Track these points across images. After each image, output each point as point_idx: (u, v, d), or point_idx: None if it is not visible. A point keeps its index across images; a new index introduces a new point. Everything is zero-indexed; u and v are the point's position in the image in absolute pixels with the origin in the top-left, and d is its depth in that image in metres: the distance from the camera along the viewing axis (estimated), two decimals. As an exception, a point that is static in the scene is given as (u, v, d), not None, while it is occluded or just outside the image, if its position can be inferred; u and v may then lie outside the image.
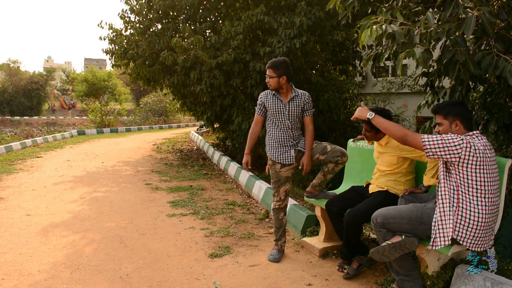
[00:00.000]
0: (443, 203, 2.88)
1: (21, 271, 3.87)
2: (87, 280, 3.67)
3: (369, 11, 4.03)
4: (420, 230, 2.99)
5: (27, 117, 41.23)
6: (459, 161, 2.76)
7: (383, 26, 2.95)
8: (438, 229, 2.86)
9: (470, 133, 2.88)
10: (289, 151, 4.04)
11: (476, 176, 2.77)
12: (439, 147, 2.77)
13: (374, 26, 2.97)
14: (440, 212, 2.88)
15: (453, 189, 2.85)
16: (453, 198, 2.84)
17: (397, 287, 3.20)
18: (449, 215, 2.83)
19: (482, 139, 2.84)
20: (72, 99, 47.96)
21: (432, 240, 2.89)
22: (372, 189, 3.72)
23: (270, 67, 3.96)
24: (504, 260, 4.06)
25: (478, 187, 2.78)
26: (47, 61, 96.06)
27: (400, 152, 3.54)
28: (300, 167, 4.03)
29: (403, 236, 2.98)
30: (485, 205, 2.78)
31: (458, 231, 2.81)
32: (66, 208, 6.17)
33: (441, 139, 2.78)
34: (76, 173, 9.45)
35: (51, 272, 3.83)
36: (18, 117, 40.73)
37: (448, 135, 2.80)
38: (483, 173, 2.77)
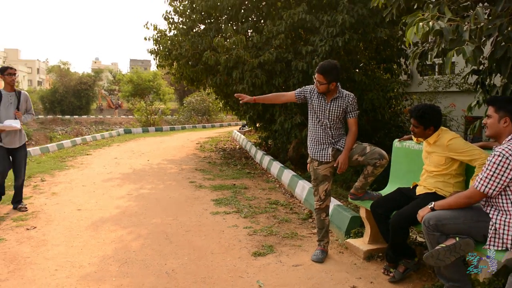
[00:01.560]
0: (505, 211, 2.78)
1: (73, 263, 4.04)
2: (135, 274, 3.79)
3: (415, 7, 3.93)
4: (476, 230, 2.88)
5: (76, 116, 42.85)
6: None
7: (430, 23, 2.87)
8: (496, 235, 2.76)
9: None
10: (327, 149, 4.00)
11: None
12: (496, 182, 2.72)
13: (421, 23, 2.88)
14: (500, 220, 2.78)
15: (510, 203, 2.76)
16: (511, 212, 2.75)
17: (445, 294, 3.10)
18: (509, 224, 2.74)
19: None
20: (118, 99, 49.47)
21: (488, 240, 2.80)
22: (419, 190, 3.62)
23: (320, 73, 3.86)
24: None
25: None
26: (95, 62, 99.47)
27: (448, 153, 3.43)
28: (335, 165, 3.98)
29: (457, 238, 2.87)
30: None
31: None
32: (114, 203, 6.38)
33: (491, 175, 2.72)
34: (123, 170, 9.76)
35: (100, 265, 3.98)
36: (68, 116, 42.41)
37: (490, 164, 2.73)
38: None
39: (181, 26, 10.90)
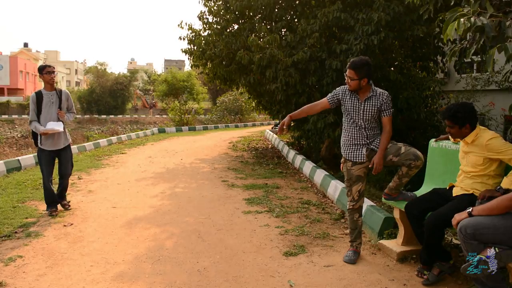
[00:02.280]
0: None
1: (108, 259, 4.14)
2: (168, 271, 3.85)
3: (452, 4, 3.82)
4: None
5: (112, 116, 43.90)
6: None
7: (472, 19, 2.77)
8: None
9: None
10: (361, 149, 3.94)
11: None
12: None
13: (462, 19, 2.79)
14: None
15: None
16: None
17: (483, 298, 3.00)
18: None
19: None
20: (153, 98, 50.33)
21: None
22: (456, 191, 3.52)
23: (351, 68, 3.82)
24: None
25: None
26: (130, 63, 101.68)
27: (487, 153, 3.32)
28: (370, 166, 3.90)
29: (496, 249, 2.74)
30: None
31: None
32: (148, 202, 6.51)
33: None
34: (157, 169, 9.93)
35: (134, 262, 4.07)
36: (104, 116, 43.50)
37: None
38: None
39: (215, 26, 10.98)
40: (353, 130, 3.97)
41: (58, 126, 5.50)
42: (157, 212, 5.88)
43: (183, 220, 5.51)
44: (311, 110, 4.26)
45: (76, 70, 79.95)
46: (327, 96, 4.09)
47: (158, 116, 44.56)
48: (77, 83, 78.56)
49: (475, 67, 12.46)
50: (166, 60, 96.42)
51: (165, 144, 16.65)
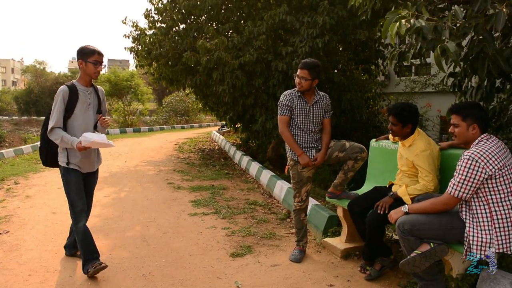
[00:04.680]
0: (476, 214, 2.82)
1: (47, 267, 3.95)
2: (111, 278, 3.72)
3: (392, 8, 3.96)
4: (451, 235, 2.92)
5: (53, 117, 41.98)
6: (487, 181, 2.75)
7: (412, 20, 2.89)
8: (473, 242, 2.79)
9: (483, 135, 2.87)
10: (311, 151, 4.03)
11: (504, 183, 2.75)
12: (468, 186, 2.75)
13: (403, 20, 2.90)
14: (475, 227, 2.81)
15: (483, 205, 2.80)
16: (485, 213, 2.79)
17: (421, 292, 3.14)
18: (486, 231, 2.77)
19: (493, 140, 2.83)
20: (96, 99, 48.63)
21: (465, 250, 2.83)
22: (395, 189, 3.66)
23: (305, 69, 3.87)
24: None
25: (509, 189, 2.76)
26: (72, 62, 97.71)
27: (413, 161, 3.49)
28: (313, 162, 4.00)
29: (432, 244, 2.90)
30: None
31: (502, 244, 2.75)
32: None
33: (463, 179, 2.76)
34: (100, 173, 9.57)
35: (75, 269, 3.91)
36: (43, 117, 41.43)
37: (461, 168, 2.77)
38: (508, 174, 2.76)
39: (161, 25, 10.79)
40: (303, 134, 4.03)
41: (103, 138, 3.67)
42: (100, 217, 5.68)
43: (127, 224, 5.36)
44: (288, 131, 4.04)
45: (12, 69, 75.72)
46: (280, 112, 4.04)
47: (101, 117, 43.08)
48: (14, 83, 74.43)
49: (413, 70, 13.04)
50: (109, 60, 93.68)
51: (108, 146, 16.10)
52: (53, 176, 8.92)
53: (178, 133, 24.11)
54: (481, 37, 2.91)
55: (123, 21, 11.29)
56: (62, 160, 3.77)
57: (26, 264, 4.03)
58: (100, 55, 3.71)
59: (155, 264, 4.05)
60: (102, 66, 3.76)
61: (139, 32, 11.31)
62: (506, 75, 3.78)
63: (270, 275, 3.77)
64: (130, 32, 11.29)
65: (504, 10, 2.63)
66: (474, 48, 2.93)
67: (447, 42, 2.74)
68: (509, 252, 2.76)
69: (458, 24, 2.86)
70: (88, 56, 3.66)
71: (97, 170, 4.13)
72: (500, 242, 2.73)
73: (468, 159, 2.74)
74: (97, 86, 3.94)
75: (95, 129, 3.85)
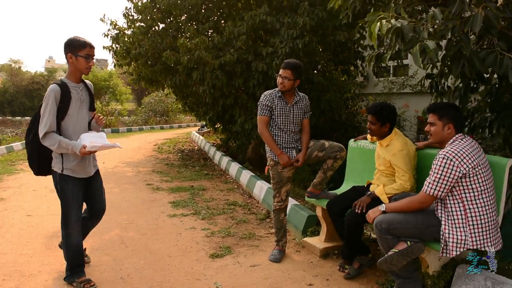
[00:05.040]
0: (451, 212, 2.87)
1: (22, 271, 3.85)
2: (88, 280, 3.66)
3: (371, 10, 4.01)
4: (428, 233, 2.97)
5: (28, 118, 41.08)
6: (462, 180, 2.80)
7: (392, 21, 2.93)
8: (449, 240, 2.84)
9: (457, 135, 2.93)
10: (291, 151, 4.04)
11: (478, 181, 2.80)
12: (443, 184, 2.80)
13: (384, 21, 2.94)
14: (450, 225, 2.86)
15: (458, 203, 2.85)
16: (460, 211, 2.84)
17: (398, 289, 3.19)
18: (461, 228, 2.82)
19: (467, 140, 2.89)
20: (73, 99, 47.91)
21: (441, 248, 2.87)
22: (373, 188, 3.71)
23: (289, 69, 3.89)
24: (505, 260, 4.04)
25: (482, 187, 2.81)
26: (49, 61, 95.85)
27: (390, 160, 3.54)
28: (294, 163, 4.02)
29: (408, 242, 2.95)
30: (490, 204, 2.83)
31: (476, 241, 2.80)
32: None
33: (438, 177, 2.81)
34: (77, 173, 9.42)
35: (52, 273, 3.82)
36: (19, 118, 40.68)
37: (436, 167, 2.82)
38: (482, 173, 2.81)
39: (140, 24, 10.67)
40: (283, 134, 4.04)
41: (104, 140, 3.45)
42: (77, 218, 5.57)
43: (105, 226, 5.26)
44: (268, 131, 4.04)
45: (-14, 68, 74.04)
46: (260, 112, 4.03)
47: (79, 117, 42.49)
48: (-12, 82, 72.77)
49: (391, 71, 13.22)
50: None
51: (86, 147, 15.86)
52: (29, 178, 8.72)
53: (157, 133, 23.89)
54: (458, 38, 2.96)
55: (101, 19, 11.11)
56: (57, 166, 3.40)
57: (0, 268, 3.93)
58: (92, 47, 3.34)
59: (134, 266, 4.00)
60: (94, 61, 3.42)
61: (118, 31, 11.16)
62: (480, 76, 3.87)
63: (249, 276, 3.77)
64: (109, 30, 11.14)
65: (480, 12, 2.69)
66: (451, 49, 2.98)
67: (426, 41, 2.78)
68: (483, 249, 2.82)
69: (436, 26, 2.91)
70: (78, 49, 3.27)
71: (98, 172, 3.76)
72: (474, 239, 2.79)
73: (443, 158, 2.79)
74: (85, 80, 3.59)
75: (89, 128, 3.56)
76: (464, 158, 2.76)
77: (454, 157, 2.77)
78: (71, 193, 3.43)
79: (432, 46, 2.72)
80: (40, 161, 3.52)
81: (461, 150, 2.79)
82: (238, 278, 3.71)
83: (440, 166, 2.80)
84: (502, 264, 3.43)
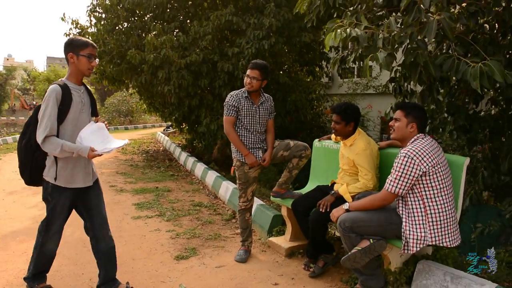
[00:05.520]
0: (412, 209, 2.95)
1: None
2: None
3: (335, 15, 4.08)
4: (390, 231, 3.04)
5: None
6: (422, 178, 2.88)
7: (348, 30, 3.00)
8: (410, 237, 2.91)
9: (419, 134, 3.01)
10: (257, 152, 4.05)
11: (437, 179, 2.88)
12: (404, 182, 2.88)
13: (339, 30, 3.01)
14: (411, 222, 2.93)
15: (418, 200, 2.93)
16: (420, 208, 2.92)
17: (361, 287, 3.25)
18: (421, 225, 2.90)
19: (428, 139, 2.98)
20: (33, 99, 46.47)
21: (403, 245, 2.94)
22: (336, 188, 3.76)
23: (257, 69, 3.91)
24: (463, 255, 4.19)
25: (441, 185, 2.89)
26: (7, 59, 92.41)
27: (353, 159, 3.61)
28: (260, 163, 4.04)
29: (371, 240, 3.01)
30: (448, 201, 2.92)
31: (435, 237, 2.89)
32: (26, 213, 5.95)
33: (399, 176, 2.88)
34: (37, 175, 9.14)
35: (9, 279, 3.69)
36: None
37: (398, 165, 2.89)
38: (441, 172, 2.89)
39: (105, 22, 10.45)
40: (249, 135, 4.04)
41: (107, 136, 3.28)
42: (37, 223, 5.26)
43: (66, 230, 5.05)
44: (234, 132, 4.02)
45: None
46: (226, 113, 4.00)
47: (39, 117, 41.21)
48: None
49: (355, 73, 13.48)
50: (48, 58, 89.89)
51: (47, 147, 15.41)
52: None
53: (121, 134, 23.44)
54: (415, 45, 3.06)
55: (62, 18, 10.82)
56: (49, 175, 3.06)
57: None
58: (94, 47, 3.10)
59: (96, 270, 3.85)
60: (97, 61, 3.15)
61: (80, 30, 10.90)
62: (441, 79, 4.00)
63: (215, 277, 3.75)
64: (70, 29, 10.84)
65: (436, 19, 2.78)
66: (408, 56, 3.08)
67: (380, 51, 2.87)
68: (441, 245, 2.92)
69: (395, 33, 2.99)
70: (80, 48, 3.01)
71: (97, 181, 3.43)
72: (433, 235, 2.88)
73: (405, 157, 2.86)
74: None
75: None
76: (425, 157, 2.85)
77: (415, 155, 2.85)
78: (61, 206, 3.13)
79: (382, 59, 2.81)
80: (32, 169, 3.14)
81: (422, 149, 2.88)
82: (204, 280, 3.69)
83: (401, 164, 2.87)
84: (460, 259, 3.55)
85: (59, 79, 3.09)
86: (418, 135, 3.01)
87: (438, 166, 2.88)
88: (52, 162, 3.04)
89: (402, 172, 2.86)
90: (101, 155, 3.11)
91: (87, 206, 3.29)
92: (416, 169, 2.84)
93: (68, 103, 2.97)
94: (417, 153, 2.86)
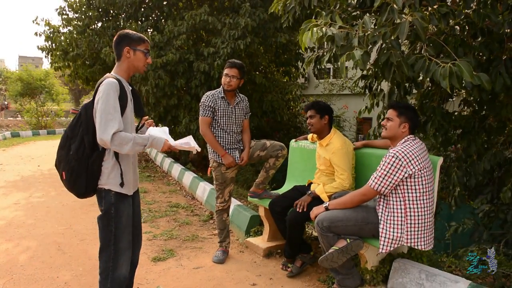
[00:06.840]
0: (392, 209, 2.99)
1: None
2: (21, 290, 3.48)
3: (313, 16, 4.12)
4: (366, 230, 3.08)
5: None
6: (407, 180, 2.92)
7: (323, 29, 3.03)
8: (386, 236, 2.97)
9: (410, 136, 3.05)
10: (234, 152, 4.05)
11: (421, 183, 2.93)
12: (388, 181, 2.92)
13: (315, 29, 3.04)
14: (389, 222, 2.98)
15: (400, 201, 2.97)
16: (401, 209, 2.97)
17: (338, 286, 3.29)
18: (399, 226, 2.95)
19: (417, 142, 3.02)
20: (5, 99, 45.27)
21: (380, 244, 2.99)
22: (313, 188, 3.80)
23: (236, 68, 3.90)
24: (438, 253, 4.28)
25: (424, 189, 2.94)
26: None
27: (329, 159, 3.65)
28: (238, 163, 4.06)
29: (348, 240, 3.05)
30: (429, 205, 2.97)
31: (411, 239, 2.94)
32: (-3, 214, 5.82)
33: (385, 174, 2.92)
34: (9, 177, 8.94)
35: (-19, 283, 3.60)
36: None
37: (385, 164, 2.93)
38: (426, 176, 2.95)
39: (76, 22, 10.27)
40: (225, 135, 4.03)
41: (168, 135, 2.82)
42: (10, 225, 5.28)
43: (40, 232, 5.04)
44: (211, 133, 3.98)
45: None
46: (202, 113, 3.97)
47: (11, 118, 40.09)
48: None
49: (331, 74, 13.61)
50: (20, 57, 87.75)
51: (19, 149, 15.08)
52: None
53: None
54: (389, 45, 3.11)
55: (34, 21, 10.63)
56: (112, 181, 2.61)
57: None
58: (149, 43, 2.79)
59: (71, 273, 3.84)
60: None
61: (52, 30, 10.69)
62: (413, 80, 4.08)
63: (193, 278, 3.74)
64: (44, 31, 10.62)
65: (409, 20, 2.83)
66: (382, 56, 3.13)
67: (356, 49, 2.91)
68: (415, 247, 2.97)
69: (369, 32, 3.03)
70: (137, 43, 2.69)
71: (138, 189, 2.99)
72: (409, 237, 2.94)
73: (393, 157, 2.90)
74: None
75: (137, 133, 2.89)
76: (413, 159, 2.89)
77: (403, 157, 2.89)
78: (126, 217, 2.70)
79: (358, 56, 2.85)
80: (88, 178, 2.63)
81: (411, 151, 2.92)
82: (182, 281, 3.68)
83: (388, 163, 2.91)
84: (435, 257, 3.63)
85: (109, 74, 2.66)
86: (408, 137, 3.04)
87: (424, 170, 2.92)
88: (112, 167, 2.60)
89: (388, 171, 2.91)
90: (174, 150, 2.78)
91: (134, 217, 2.87)
92: (402, 170, 2.88)
93: (125, 99, 2.61)
94: (405, 155, 2.89)
